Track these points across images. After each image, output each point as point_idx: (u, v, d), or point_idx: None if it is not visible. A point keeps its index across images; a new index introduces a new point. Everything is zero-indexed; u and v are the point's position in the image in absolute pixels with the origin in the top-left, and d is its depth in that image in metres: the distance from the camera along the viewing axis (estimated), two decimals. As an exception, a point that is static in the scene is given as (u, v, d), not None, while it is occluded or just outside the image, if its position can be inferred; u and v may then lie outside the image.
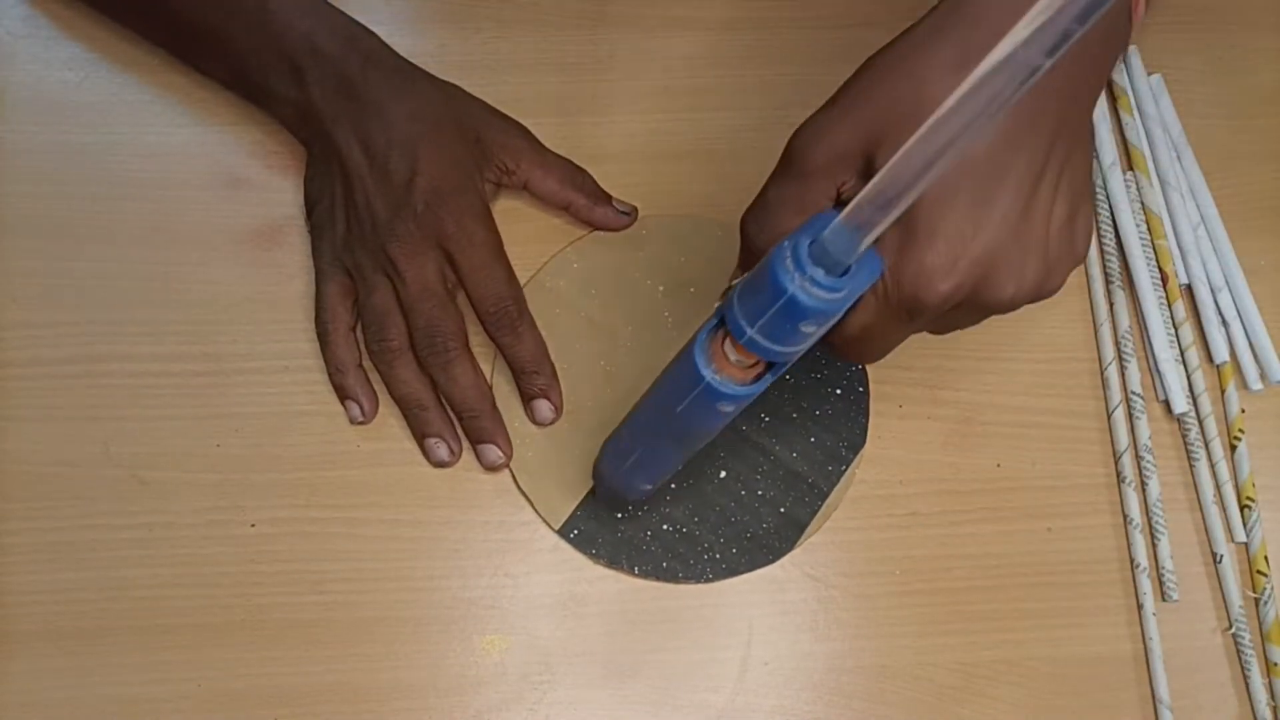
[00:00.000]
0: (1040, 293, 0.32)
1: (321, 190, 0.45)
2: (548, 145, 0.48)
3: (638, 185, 0.48)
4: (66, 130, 0.47)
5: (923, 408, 0.46)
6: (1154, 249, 0.49)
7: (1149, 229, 0.49)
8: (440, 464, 0.43)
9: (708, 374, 0.30)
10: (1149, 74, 0.52)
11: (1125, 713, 0.43)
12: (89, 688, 0.41)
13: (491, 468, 0.44)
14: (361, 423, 0.44)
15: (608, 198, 0.47)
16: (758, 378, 0.30)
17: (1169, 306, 0.48)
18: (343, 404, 0.44)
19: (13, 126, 0.48)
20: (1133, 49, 0.53)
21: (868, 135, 0.33)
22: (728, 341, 0.29)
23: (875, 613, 0.43)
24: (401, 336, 0.43)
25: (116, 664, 0.41)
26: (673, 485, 0.44)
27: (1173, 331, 0.48)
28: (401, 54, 0.46)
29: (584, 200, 0.46)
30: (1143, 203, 0.50)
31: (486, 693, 0.41)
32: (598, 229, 0.47)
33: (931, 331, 0.36)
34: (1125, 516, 0.45)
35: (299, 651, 0.41)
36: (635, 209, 0.47)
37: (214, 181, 0.47)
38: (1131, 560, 0.45)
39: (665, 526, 0.43)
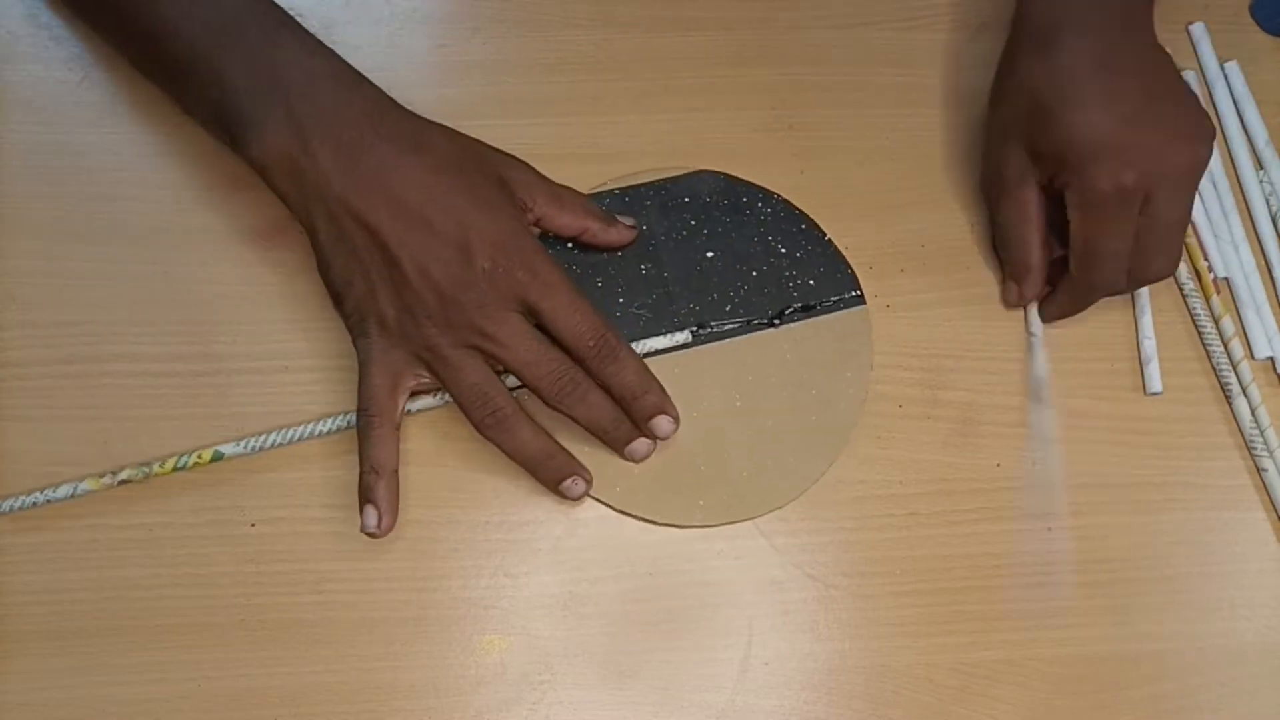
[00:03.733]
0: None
1: (349, 272, 0.41)
2: (547, 145, 0.48)
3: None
4: (66, 130, 0.47)
5: (923, 408, 0.46)
6: (1186, 249, 0.49)
7: None
8: (579, 497, 0.43)
9: None
10: (1223, 61, 0.53)
11: (1125, 713, 0.43)
12: (88, 687, 0.41)
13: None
14: (373, 535, 0.41)
15: (613, 217, 0.46)
16: None
17: (1206, 301, 0.48)
18: (360, 508, 0.41)
19: (13, 126, 0.48)
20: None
21: None
22: None
23: (875, 613, 0.43)
24: (509, 400, 0.41)
25: (116, 664, 0.41)
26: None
27: (1212, 325, 0.48)
28: (401, 54, 0.46)
29: (599, 224, 0.45)
30: None
31: (486, 693, 0.41)
32: (611, 249, 0.47)
33: None
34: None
35: (299, 651, 0.41)
36: (636, 223, 0.47)
37: (214, 181, 0.47)
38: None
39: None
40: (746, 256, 0.47)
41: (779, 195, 0.49)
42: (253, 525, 0.43)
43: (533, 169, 0.45)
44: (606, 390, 0.42)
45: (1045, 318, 0.47)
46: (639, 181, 0.48)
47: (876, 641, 0.43)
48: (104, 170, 0.47)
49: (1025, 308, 0.48)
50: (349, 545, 0.43)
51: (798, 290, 0.47)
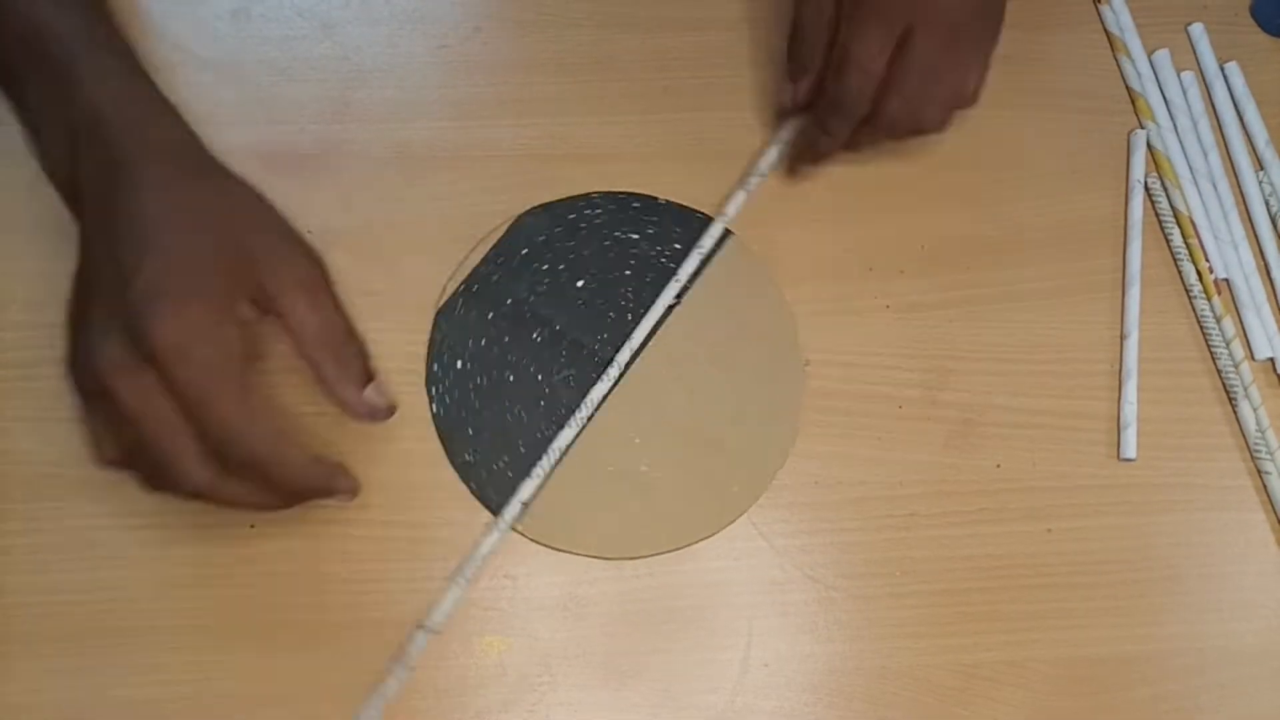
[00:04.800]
0: None
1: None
2: (547, 145, 0.48)
3: (638, 185, 0.48)
4: (66, 130, 0.47)
5: (923, 408, 0.46)
6: (1187, 250, 0.49)
7: (1180, 230, 0.49)
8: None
9: None
10: (1223, 61, 0.53)
11: (1126, 713, 0.43)
12: (89, 688, 0.40)
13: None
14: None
15: (364, 379, 0.38)
16: None
17: (1208, 301, 0.48)
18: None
19: (13, 126, 0.47)
20: (1165, 52, 0.53)
21: None
22: None
23: (875, 614, 0.43)
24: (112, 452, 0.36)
25: (117, 664, 0.41)
26: None
27: (1215, 326, 0.48)
28: (401, 54, 0.45)
29: (334, 370, 0.37)
30: (1171, 206, 0.50)
31: (486, 694, 0.41)
32: (343, 410, 0.37)
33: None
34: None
35: (299, 652, 0.41)
36: (394, 408, 0.39)
37: (214, 182, 0.47)
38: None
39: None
40: (611, 263, 0.47)
41: (597, 192, 0.48)
42: (252, 525, 0.43)
43: (314, 268, 0.38)
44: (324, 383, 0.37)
45: (796, 158, 0.49)
46: (473, 266, 0.46)
47: (877, 643, 0.43)
48: (104, 170, 0.47)
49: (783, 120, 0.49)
50: (349, 545, 0.43)
51: (673, 259, 0.47)
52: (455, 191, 0.47)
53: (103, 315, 0.35)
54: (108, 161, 0.37)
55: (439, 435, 0.44)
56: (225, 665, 0.41)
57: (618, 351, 0.45)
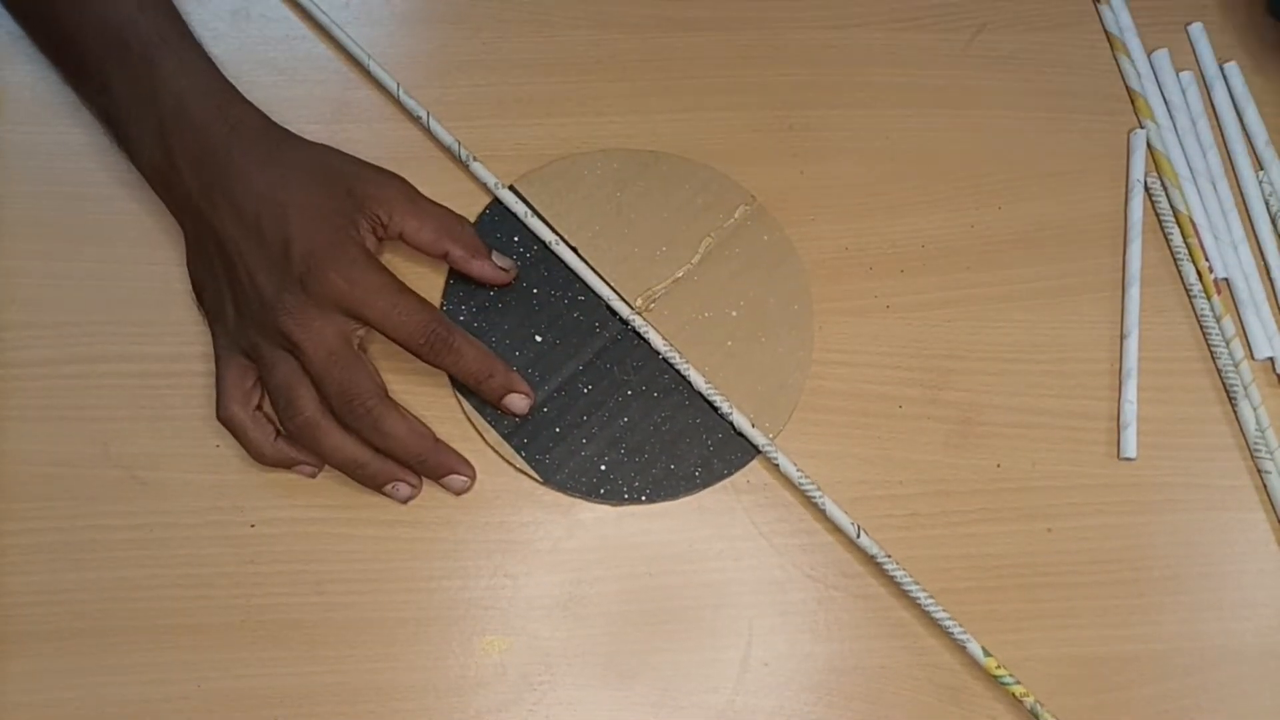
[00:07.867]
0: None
1: (204, 273, 0.43)
2: (546, 145, 0.47)
3: (638, 185, 0.48)
4: (66, 130, 0.47)
5: (923, 408, 0.46)
6: (1187, 250, 0.49)
7: (1180, 230, 0.49)
8: (407, 500, 0.43)
9: None
10: (1222, 61, 0.53)
11: (1125, 713, 0.43)
12: (88, 688, 0.40)
13: (462, 492, 0.43)
14: (312, 475, 0.43)
15: (486, 251, 0.45)
16: None
17: (1208, 301, 0.48)
18: (292, 471, 0.43)
19: (13, 126, 0.48)
20: (1165, 52, 0.53)
21: None
22: None
23: (875, 613, 0.43)
24: (313, 406, 0.41)
25: (116, 664, 0.41)
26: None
27: (1215, 325, 0.48)
28: (401, 54, 0.46)
29: (460, 251, 0.44)
30: (1171, 205, 0.50)
31: (486, 694, 0.41)
32: (475, 282, 0.45)
33: None
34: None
35: (298, 652, 0.41)
36: (515, 266, 0.46)
37: (214, 182, 0.47)
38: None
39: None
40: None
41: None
42: (252, 525, 0.43)
43: (401, 185, 0.44)
44: (457, 376, 0.43)
45: None
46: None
47: (876, 642, 0.43)
48: (104, 170, 0.47)
49: None
50: (349, 545, 0.43)
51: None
52: (456, 191, 0.47)
53: (270, 282, 0.41)
54: (204, 149, 0.42)
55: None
56: (224, 665, 0.41)
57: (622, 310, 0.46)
